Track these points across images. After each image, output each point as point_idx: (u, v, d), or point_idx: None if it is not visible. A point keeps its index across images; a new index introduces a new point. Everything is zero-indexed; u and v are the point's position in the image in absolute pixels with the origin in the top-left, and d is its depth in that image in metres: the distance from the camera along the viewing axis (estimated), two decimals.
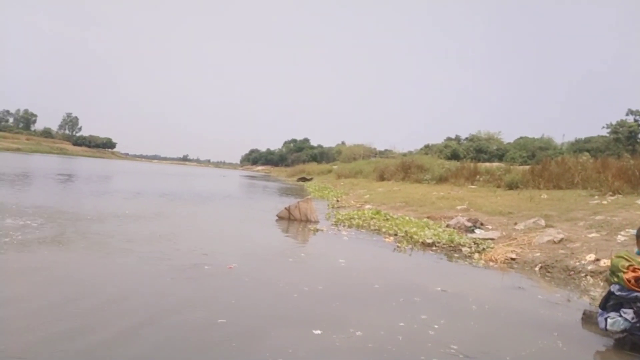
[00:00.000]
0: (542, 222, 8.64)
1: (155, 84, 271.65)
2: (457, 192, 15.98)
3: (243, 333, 3.47)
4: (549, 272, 6.38)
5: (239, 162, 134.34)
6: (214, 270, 5.37)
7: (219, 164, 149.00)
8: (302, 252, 7.43)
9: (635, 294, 3.54)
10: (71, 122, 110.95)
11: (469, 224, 9.53)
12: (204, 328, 3.46)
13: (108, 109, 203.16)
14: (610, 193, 11.01)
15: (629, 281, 3.59)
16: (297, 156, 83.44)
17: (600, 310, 3.88)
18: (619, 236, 7.17)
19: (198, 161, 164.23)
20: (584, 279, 5.92)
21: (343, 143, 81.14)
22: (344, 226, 10.18)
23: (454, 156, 35.68)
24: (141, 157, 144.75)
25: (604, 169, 13.04)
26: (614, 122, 37.02)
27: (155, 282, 4.75)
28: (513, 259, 6.99)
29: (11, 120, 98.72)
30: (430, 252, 7.70)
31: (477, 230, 9.19)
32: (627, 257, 3.76)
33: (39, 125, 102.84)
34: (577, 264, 6.30)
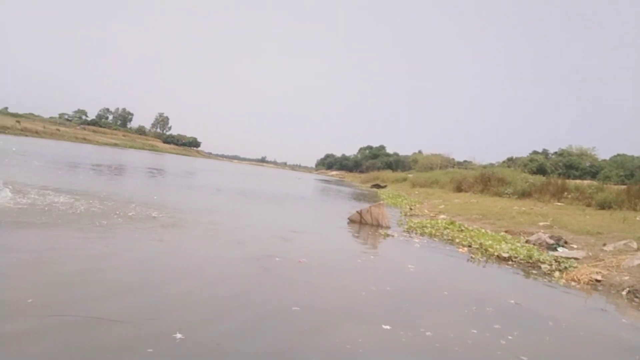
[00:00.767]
0: (634, 245, 7.93)
1: (237, 88, 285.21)
2: (541, 209, 15.06)
3: (315, 321, 3.66)
4: (637, 297, 5.86)
5: (313, 166, 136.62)
6: (285, 262, 5.65)
7: (294, 167, 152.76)
8: (371, 255, 7.49)
9: None
10: (162, 121, 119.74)
11: (551, 242, 8.98)
12: (278, 312, 3.69)
13: (195, 111, 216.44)
14: None
15: None
16: (372, 163, 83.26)
17: None
18: None
19: (275, 163, 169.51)
20: None
21: (420, 152, 79.73)
22: (415, 233, 10.06)
23: (540, 171, 33.61)
24: (222, 156, 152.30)
25: None
26: None
27: (232, 268, 5.12)
28: (598, 281, 6.50)
29: (110, 117, 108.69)
30: (506, 266, 7.39)
31: (559, 249, 8.64)
32: None
33: (134, 123, 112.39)
34: None
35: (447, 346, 3.41)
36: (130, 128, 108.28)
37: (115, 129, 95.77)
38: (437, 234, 10.05)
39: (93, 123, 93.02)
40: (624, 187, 17.55)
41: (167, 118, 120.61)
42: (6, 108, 73.73)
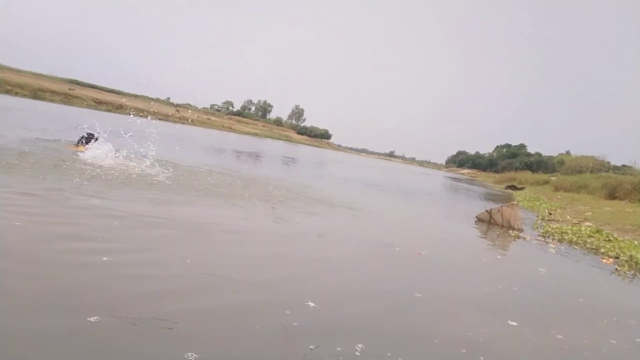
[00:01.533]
0: None
1: (367, 80, 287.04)
2: None
3: (438, 309, 3.74)
4: None
5: (443, 163, 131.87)
6: (404, 253, 5.75)
7: (423, 163, 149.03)
8: (498, 255, 7.15)
9: None
10: (298, 112, 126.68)
11: None
12: (401, 297, 3.85)
13: (327, 103, 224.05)
14: None
15: None
16: (510, 162, 77.34)
17: None
18: None
19: (403, 158, 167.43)
20: None
21: (567, 152, 71.49)
22: (552, 239, 9.23)
23: None
24: (351, 149, 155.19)
25: None
26: None
27: (356, 253, 5.42)
28: None
29: (253, 108, 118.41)
30: None
31: None
32: None
33: (273, 115, 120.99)
34: None
35: (578, 351, 3.23)
36: (269, 119, 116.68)
37: (256, 120, 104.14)
38: (579, 241, 9.10)
39: (237, 114, 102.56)
40: None
41: (302, 110, 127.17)
42: (168, 98, 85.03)
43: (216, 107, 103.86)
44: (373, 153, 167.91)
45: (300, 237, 5.70)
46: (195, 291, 3.08)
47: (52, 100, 36.64)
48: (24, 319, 2.29)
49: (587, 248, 8.60)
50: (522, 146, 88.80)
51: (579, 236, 9.53)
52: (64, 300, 2.56)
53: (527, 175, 49.39)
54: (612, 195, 22.06)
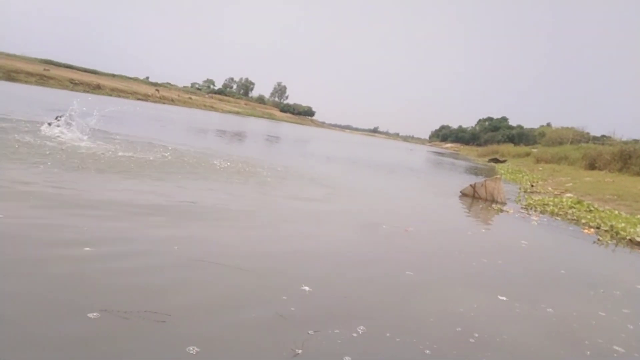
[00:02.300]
0: None
1: (351, 58, 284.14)
2: None
3: (428, 285, 3.79)
4: None
5: (427, 138, 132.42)
6: (392, 230, 5.78)
7: (407, 138, 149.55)
8: (482, 229, 7.26)
9: None
10: (280, 90, 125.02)
11: None
12: (393, 276, 3.88)
13: (310, 80, 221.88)
14: None
15: None
16: (492, 136, 78.07)
17: None
18: None
19: (387, 134, 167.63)
20: None
21: (548, 124, 72.48)
22: (534, 211, 9.41)
23: None
24: (335, 126, 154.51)
25: None
26: None
27: (345, 233, 5.45)
28: None
29: (235, 87, 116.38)
30: None
31: None
32: None
33: (255, 92, 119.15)
34: None
35: (568, 323, 3.33)
36: (252, 97, 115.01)
37: (238, 98, 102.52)
38: (560, 213, 9.29)
39: (219, 92, 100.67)
40: None
41: (285, 87, 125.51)
42: (147, 77, 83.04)
43: (197, 86, 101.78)
44: (357, 129, 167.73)
45: (286, 218, 5.67)
46: (185, 280, 3.02)
47: (26, 82, 35.41)
48: (6, 316, 2.22)
49: (569, 219, 8.79)
50: (504, 119, 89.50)
51: (560, 207, 9.72)
52: (48, 297, 2.47)
53: (509, 147, 49.94)
54: (592, 166, 22.49)
